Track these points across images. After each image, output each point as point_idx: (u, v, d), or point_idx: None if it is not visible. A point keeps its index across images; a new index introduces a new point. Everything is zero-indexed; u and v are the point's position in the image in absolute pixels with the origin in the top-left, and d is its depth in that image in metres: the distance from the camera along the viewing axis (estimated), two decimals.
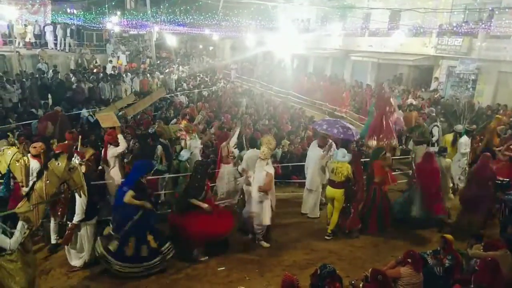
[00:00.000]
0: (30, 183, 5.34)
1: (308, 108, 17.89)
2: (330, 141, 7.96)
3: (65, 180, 4.89)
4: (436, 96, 16.37)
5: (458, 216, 7.58)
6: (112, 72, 18.47)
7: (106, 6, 26.76)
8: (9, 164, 5.42)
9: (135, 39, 30.07)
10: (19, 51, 18.33)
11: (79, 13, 25.48)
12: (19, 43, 19.46)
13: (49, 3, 22.69)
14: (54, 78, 15.54)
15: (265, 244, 6.72)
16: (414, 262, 4.77)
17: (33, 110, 12.32)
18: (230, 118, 12.42)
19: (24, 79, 14.84)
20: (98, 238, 5.66)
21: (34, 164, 5.80)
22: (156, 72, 20.60)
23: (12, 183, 5.88)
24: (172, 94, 17.14)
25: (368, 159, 8.58)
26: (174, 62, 26.46)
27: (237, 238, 6.90)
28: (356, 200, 7.20)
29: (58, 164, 4.76)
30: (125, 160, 7.64)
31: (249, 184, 6.78)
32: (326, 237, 7.14)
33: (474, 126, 9.81)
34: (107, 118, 6.86)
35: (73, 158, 5.39)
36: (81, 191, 5.09)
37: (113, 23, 26.01)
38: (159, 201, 7.62)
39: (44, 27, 21.05)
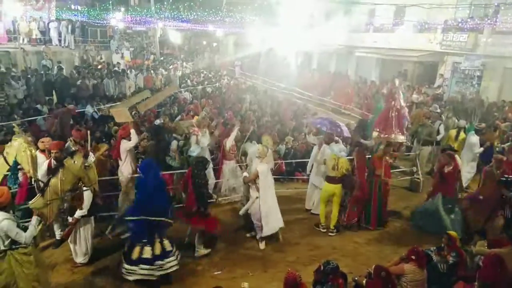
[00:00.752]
0: (45, 179, 5.44)
1: (312, 105, 17.85)
2: (337, 138, 7.93)
3: (80, 177, 4.99)
4: (438, 92, 16.29)
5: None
6: (116, 69, 18.52)
7: (110, 2, 26.72)
8: (16, 154, 5.47)
9: (139, 36, 30.07)
10: (23, 48, 18.41)
11: (83, 9, 25.44)
12: (23, 40, 19.51)
13: None
14: (58, 75, 15.60)
15: (262, 246, 6.60)
16: (418, 259, 4.76)
17: (38, 106, 12.38)
18: (233, 115, 12.42)
19: (29, 76, 14.90)
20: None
21: (41, 159, 5.86)
22: (160, 69, 20.62)
23: (20, 174, 5.95)
24: (176, 91, 17.14)
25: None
26: (178, 58, 26.46)
27: (240, 235, 6.92)
28: (354, 196, 7.21)
29: (74, 162, 4.87)
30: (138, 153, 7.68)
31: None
32: (330, 234, 7.15)
33: (483, 125, 9.62)
34: (120, 113, 7.00)
35: (89, 157, 5.42)
36: (94, 188, 5.20)
37: (117, 19, 25.99)
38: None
39: (48, 23, 21.09)
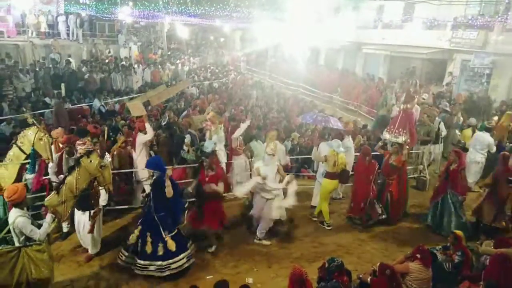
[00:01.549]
0: (55, 170, 5.53)
1: (319, 101, 17.78)
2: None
3: (95, 176, 5.06)
4: (441, 90, 16.13)
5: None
6: (124, 63, 18.58)
7: None
8: (33, 143, 5.52)
9: (146, 30, 30.09)
10: (32, 41, 18.53)
11: (91, 3, 25.50)
12: (32, 33, 19.63)
13: None
14: (66, 68, 15.70)
15: (265, 242, 6.59)
16: (423, 258, 4.75)
17: (46, 99, 12.49)
18: (240, 110, 12.43)
19: (37, 69, 15.01)
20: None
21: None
22: (167, 63, 20.64)
23: (37, 163, 6.04)
24: (189, 85, 17.16)
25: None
26: (185, 53, 26.47)
27: (245, 230, 6.94)
28: (359, 193, 7.23)
29: (91, 161, 4.91)
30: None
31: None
32: (328, 228, 7.23)
33: (493, 123, 9.54)
34: (135, 107, 7.21)
35: (105, 156, 5.49)
36: (108, 188, 5.30)
37: (125, 13, 26.02)
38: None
39: (56, 17, 21.19)
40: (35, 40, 18.99)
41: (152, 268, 5.36)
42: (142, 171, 6.97)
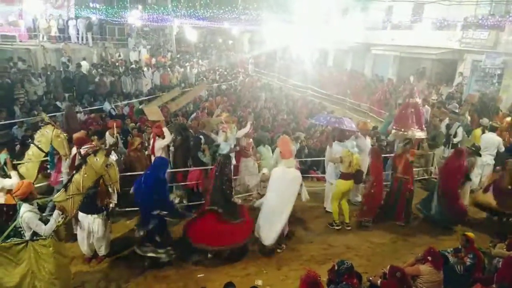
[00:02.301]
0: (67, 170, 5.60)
1: (328, 103, 17.73)
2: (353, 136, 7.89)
3: (101, 175, 5.19)
4: (450, 91, 15.96)
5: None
6: (133, 66, 18.76)
7: (128, 0, 27.06)
8: (51, 141, 5.65)
9: (156, 33, 30.34)
10: (43, 45, 18.77)
11: (101, 7, 25.82)
12: (43, 37, 19.91)
13: None
14: (77, 72, 15.88)
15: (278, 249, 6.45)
16: (434, 260, 4.70)
17: (57, 103, 12.64)
18: (248, 113, 12.44)
19: (48, 73, 15.21)
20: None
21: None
22: (176, 66, 20.77)
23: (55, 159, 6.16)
24: (192, 88, 17.27)
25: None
26: (194, 56, 26.61)
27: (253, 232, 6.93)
28: (369, 194, 7.17)
29: (97, 160, 5.06)
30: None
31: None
32: (347, 228, 7.21)
33: (499, 123, 9.45)
34: (152, 112, 7.40)
35: (110, 155, 5.61)
36: (114, 186, 5.41)
37: (134, 17, 26.30)
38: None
39: (67, 21, 21.47)
40: (46, 44, 19.25)
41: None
42: None
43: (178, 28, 29.34)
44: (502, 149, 8.67)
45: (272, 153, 8.17)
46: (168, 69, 19.52)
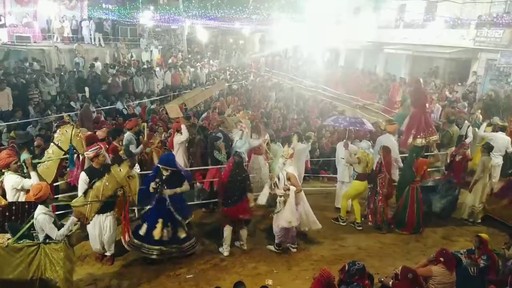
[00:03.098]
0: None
1: (339, 102, 17.61)
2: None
3: (122, 186, 5.23)
4: (465, 89, 15.74)
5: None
6: (145, 67, 18.92)
7: (140, 1, 27.30)
8: (71, 139, 5.75)
9: (167, 34, 30.55)
10: (57, 46, 19.04)
11: (114, 8, 26.12)
12: (57, 38, 20.20)
13: None
14: (90, 72, 16.08)
15: (271, 248, 6.43)
16: (446, 261, 4.64)
17: (71, 103, 12.82)
18: (260, 113, 12.45)
19: (62, 73, 15.42)
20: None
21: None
22: (187, 66, 20.89)
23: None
24: (203, 88, 17.34)
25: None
26: (205, 56, 26.72)
27: (265, 231, 6.94)
28: (383, 194, 7.09)
29: (120, 170, 5.11)
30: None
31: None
32: (359, 228, 7.21)
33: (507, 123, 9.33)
34: (172, 109, 7.66)
35: (134, 168, 5.68)
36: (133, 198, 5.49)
37: (146, 18, 26.53)
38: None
39: (80, 22, 21.75)
40: (60, 45, 19.52)
41: (155, 252, 5.67)
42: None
43: (189, 29, 29.50)
44: (510, 149, 8.54)
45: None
46: (180, 69, 19.64)
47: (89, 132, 7.56)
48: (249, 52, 31.81)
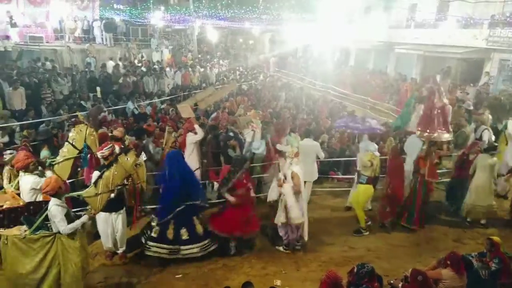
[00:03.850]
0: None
1: (349, 103, 17.53)
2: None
3: (130, 174, 5.39)
4: (477, 89, 15.51)
5: None
6: (156, 67, 19.03)
7: (151, 1, 27.51)
8: (85, 138, 5.84)
9: (177, 34, 30.70)
10: (69, 46, 19.25)
11: (125, 8, 26.34)
12: (69, 38, 20.43)
13: None
14: (101, 72, 16.23)
15: (280, 249, 6.48)
16: (453, 265, 4.59)
17: (82, 102, 12.95)
18: (269, 113, 12.42)
19: (74, 73, 15.60)
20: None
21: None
22: (197, 66, 20.96)
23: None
24: (214, 88, 17.33)
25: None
26: (215, 56, 26.80)
27: (274, 232, 6.92)
28: (392, 196, 7.06)
29: (127, 159, 5.22)
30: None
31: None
32: (365, 233, 7.10)
33: None
34: (184, 109, 7.63)
35: (141, 156, 5.74)
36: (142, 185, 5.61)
37: (157, 18, 26.71)
38: None
39: (92, 22, 21.96)
40: (72, 45, 19.73)
41: (164, 251, 5.73)
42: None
43: (199, 29, 29.62)
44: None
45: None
46: (190, 69, 19.72)
47: (101, 131, 7.63)
48: (259, 52, 31.82)
